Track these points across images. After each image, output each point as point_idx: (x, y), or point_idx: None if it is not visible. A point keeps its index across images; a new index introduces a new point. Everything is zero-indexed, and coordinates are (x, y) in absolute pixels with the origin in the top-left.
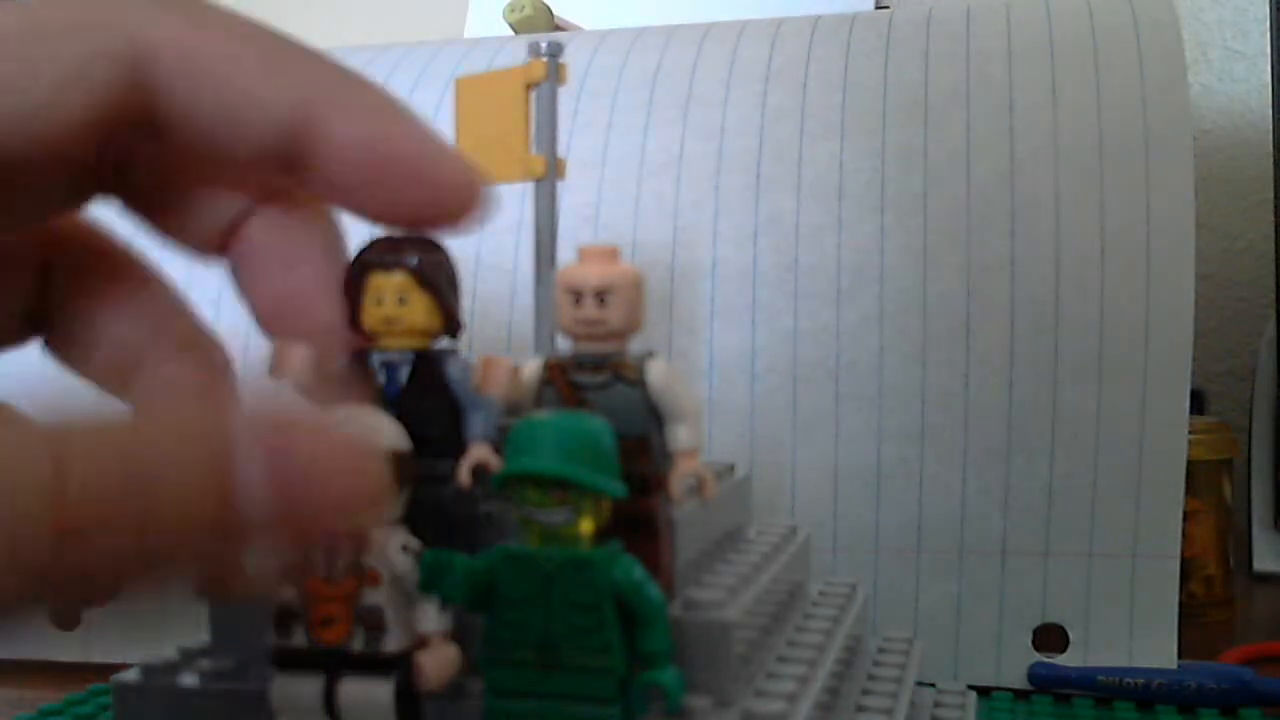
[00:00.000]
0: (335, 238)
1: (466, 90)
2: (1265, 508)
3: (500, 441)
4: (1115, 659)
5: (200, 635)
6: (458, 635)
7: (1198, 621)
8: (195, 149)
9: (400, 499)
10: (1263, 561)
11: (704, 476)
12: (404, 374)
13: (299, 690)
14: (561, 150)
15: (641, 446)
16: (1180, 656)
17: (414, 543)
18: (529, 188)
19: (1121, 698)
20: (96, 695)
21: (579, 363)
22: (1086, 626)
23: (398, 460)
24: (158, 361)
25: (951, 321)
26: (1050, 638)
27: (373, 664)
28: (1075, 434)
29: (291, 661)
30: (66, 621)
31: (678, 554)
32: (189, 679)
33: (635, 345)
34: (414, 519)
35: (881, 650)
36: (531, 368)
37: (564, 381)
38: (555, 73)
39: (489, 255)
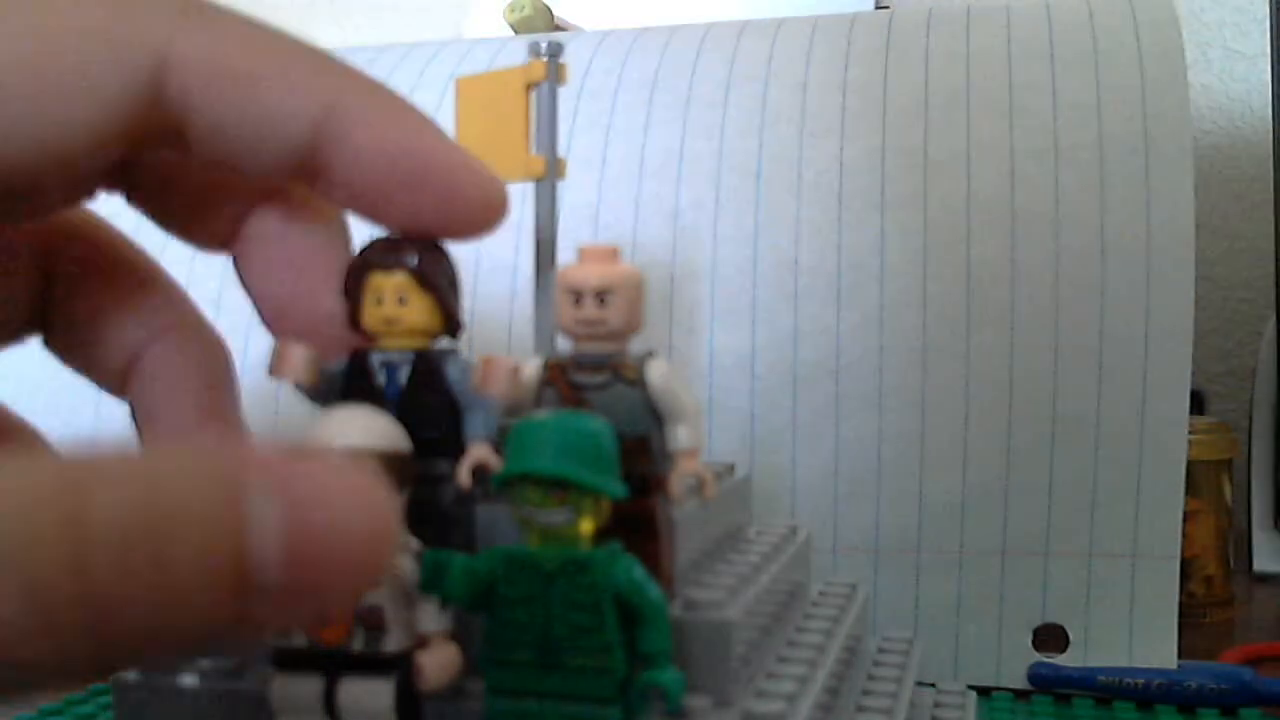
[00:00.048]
0: (342, 237)
1: (466, 90)
2: (1265, 508)
3: (500, 441)
4: (1115, 659)
5: None
6: (458, 635)
7: (1198, 621)
8: (216, 159)
9: (400, 499)
10: (1263, 561)
11: (704, 476)
12: (404, 374)
13: (299, 690)
14: (561, 150)
15: (641, 446)
16: (1180, 656)
17: (414, 543)
18: (529, 188)
19: (1121, 698)
20: (96, 695)
21: (579, 363)
22: (1086, 626)
23: (398, 460)
24: (158, 359)
25: (951, 321)
26: (1050, 638)
27: (373, 664)
28: (1075, 434)
29: (291, 661)
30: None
31: (678, 554)
32: (189, 679)
33: (635, 345)
34: (414, 519)
35: (881, 650)
36: (531, 368)
37: (564, 381)
38: (555, 73)
39: (489, 255)
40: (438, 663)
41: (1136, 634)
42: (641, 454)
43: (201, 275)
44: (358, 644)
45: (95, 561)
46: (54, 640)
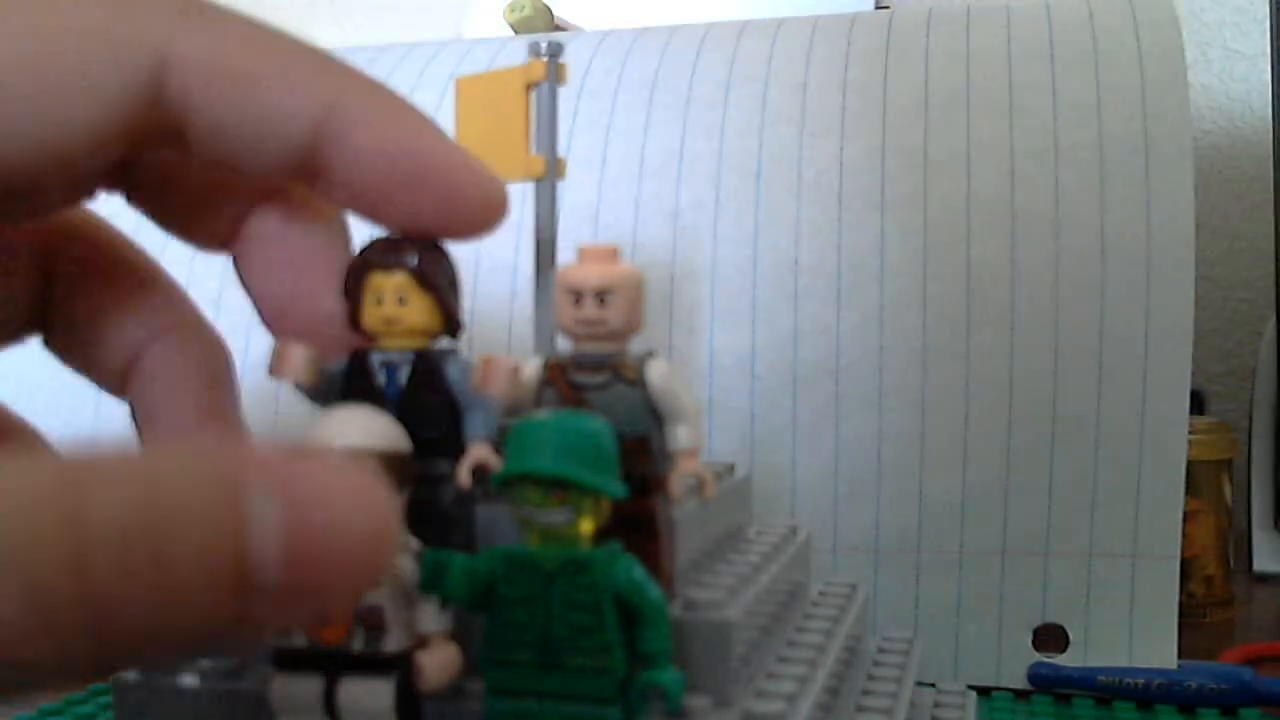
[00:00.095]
0: (342, 237)
1: (466, 90)
2: (1265, 508)
3: (500, 441)
4: (1115, 659)
5: None
6: (458, 635)
7: (1198, 621)
8: (216, 159)
9: (400, 499)
10: (1263, 561)
11: (704, 476)
12: (404, 374)
13: (299, 690)
14: (561, 150)
15: (641, 446)
16: (1180, 656)
17: (414, 543)
18: (529, 188)
19: (1121, 698)
20: (96, 695)
21: (579, 363)
22: (1086, 626)
23: (398, 460)
24: (158, 359)
25: (951, 321)
26: (1050, 638)
27: (373, 664)
28: (1075, 434)
29: (291, 661)
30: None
31: (678, 554)
32: (189, 678)
33: (635, 345)
34: (414, 519)
35: (881, 650)
36: (531, 368)
37: (564, 381)
38: (555, 73)
39: (489, 255)
40: (438, 663)
41: (1136, 634)
42: (641, 454)
43: (201, 275)
44: (358, 644)
45: (95, 561)
46: (54, 640)
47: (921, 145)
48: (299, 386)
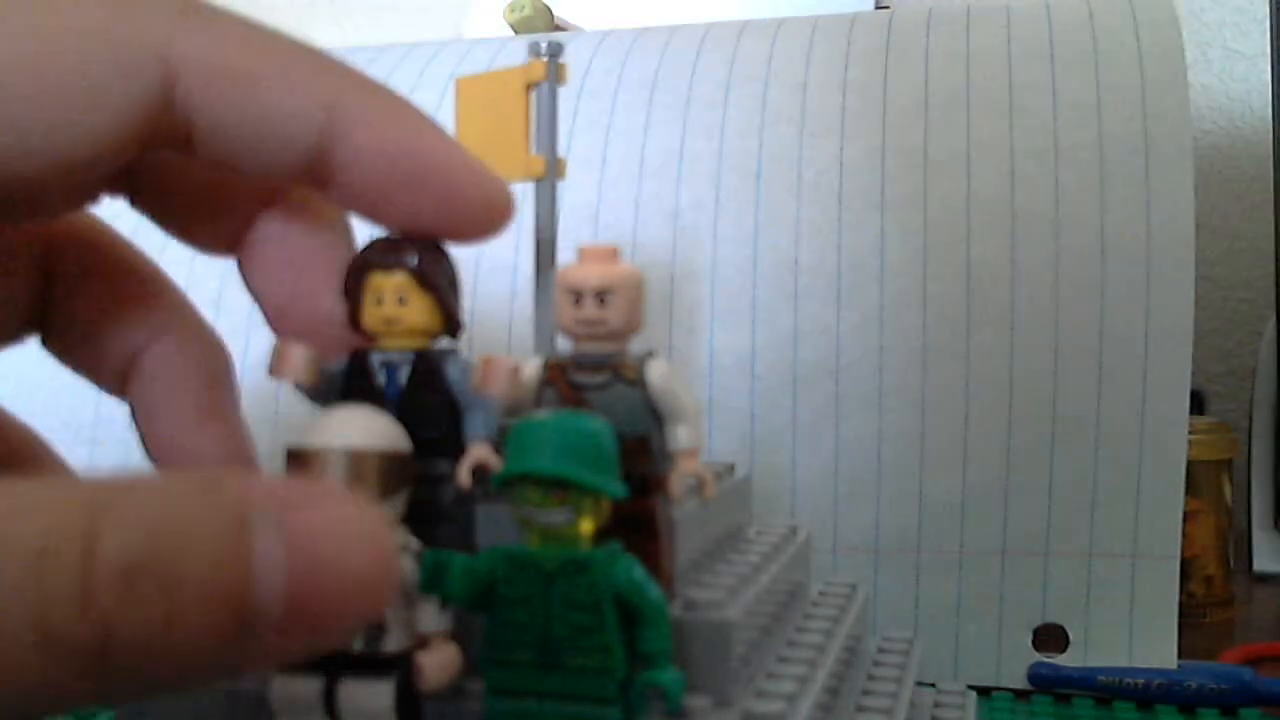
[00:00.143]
0: (345, 238)
1: (466, 90)
2: (1265, 508)
3: (500, 441)
4: (1115, 659)
5: None
6: (458, 635)
7: (1198, 621)
8: (218, 161)
9: (400, 499)
10: (1263, 561)
11: (704, 476)
12: (404, 374)
13: (299, 690)
14: (561, 150)
15: (641, 446)
16: (1180, 656)
17: (414, 543)
18: (529, 188)
19: (1121, 698)
20: None
21: (579, 363)
22: (1086, 626)
23: (398, 460)
24: (158, 359)
25: (951, 321)
26: (1050, 638)
27: (373, 664)
28: (1075, 434)
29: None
30: None
31: (678, 554)
32: None
33: (635, 345)
34: (414, 519)
35: (881, 650)
36: (531, 368)
37: (564, 381)
38: (555, 73)
39: (489, 255)
40: (438, 663)
41: (1136, 634)
42: (641, 454)
43: (201, 276)
44: (358, 644)
45: (102, 587)
46: (58, 665)
47: (921, 145)
48: (299, 386)
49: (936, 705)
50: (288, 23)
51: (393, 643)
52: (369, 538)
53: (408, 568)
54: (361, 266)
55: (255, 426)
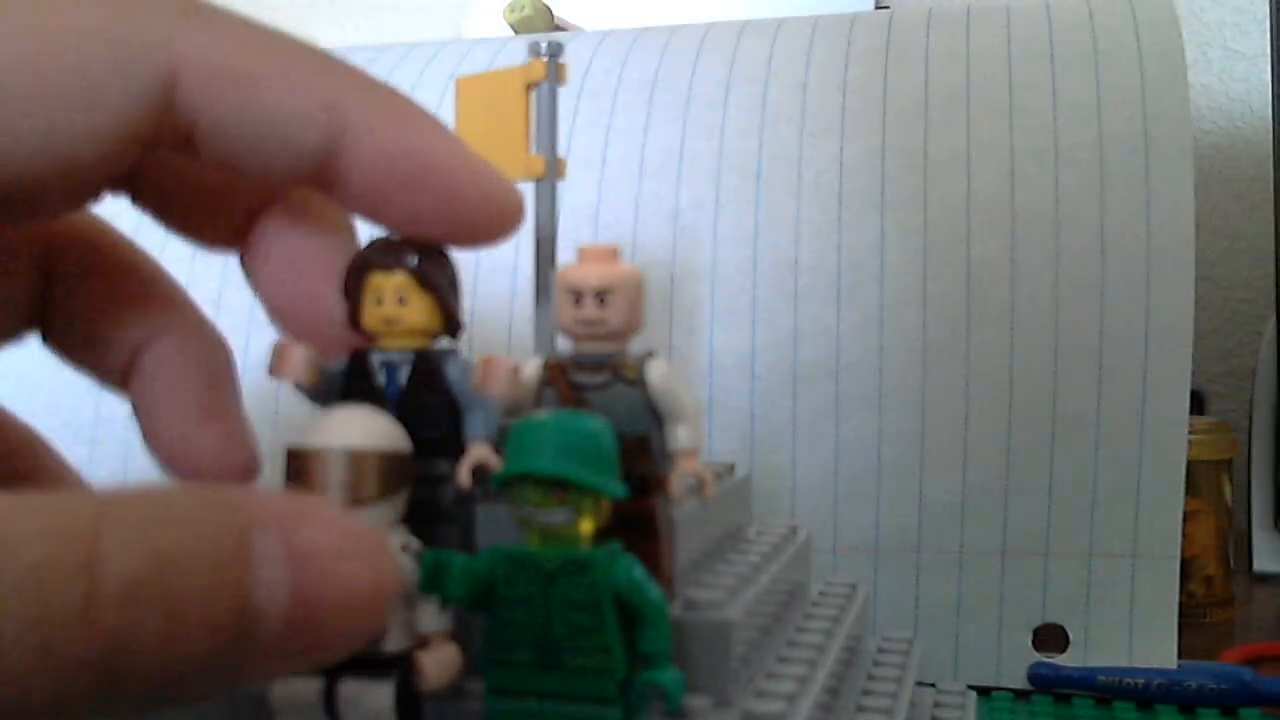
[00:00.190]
0: (348, 239)
1: (466, 90)
2: (1265, 508)
3: (500, 441)
4: (1115, 659)
5: None
6: (458, 635)
7: (1198, 621)
8: (219, 161)
9: (400, 499)
10: (1263, 561)
11: (704, 476)
12: (404, 374)
13: (299, 690)
14: (561, 150)
15: (641, 446)
16: (1180, 656)
17: (414, 543)
18: (529, 188)
19: (1121, 698)
20: None
21: (579, 363)
22: (1086, 626)
23: (398, 460)
24: (158, 357)
25: (951, 321)
26: (1050, 638)
27: (373, 664)
28: (1075, 434)
29: None
30: None
31: (678, 554)
32: None
33: (635, 345)
34: (414, 519)
35: (881, 650)
36: (531, 368)
37: (564, 381)
38: (555, 73)
39: (489, 255)
40: (438, 663)
41: (1136, 634)
42: (641, 454)
43: (201, 275)
44: None
45: (104, 601)
46: (59, 679)
47: (921, 145)
48: (299, 386)
49: (936, 705)
50: (288, 23)
51: (393, 643)
52: (369, 556)
53: (408, 568)
54: (361, 266)
55: (255, 426)
